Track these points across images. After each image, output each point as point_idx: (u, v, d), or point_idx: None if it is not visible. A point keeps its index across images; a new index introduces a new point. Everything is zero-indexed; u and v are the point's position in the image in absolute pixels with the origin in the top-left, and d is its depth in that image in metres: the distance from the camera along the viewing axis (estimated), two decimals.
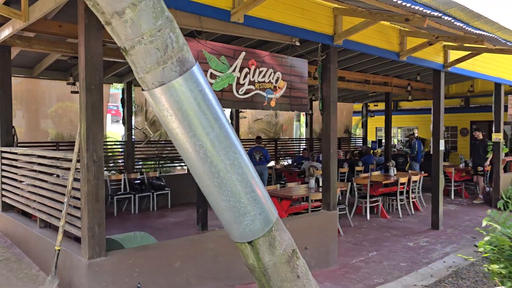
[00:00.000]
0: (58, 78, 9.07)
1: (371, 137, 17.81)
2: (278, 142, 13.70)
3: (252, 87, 4.74)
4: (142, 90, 2.32)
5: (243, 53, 4.64)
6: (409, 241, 7.35)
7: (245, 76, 4.67)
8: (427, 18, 4.55)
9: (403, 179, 9.26)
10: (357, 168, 11.95)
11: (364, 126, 16.88)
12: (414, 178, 9.66)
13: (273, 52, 5.43)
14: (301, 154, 13.27)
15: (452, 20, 5.07)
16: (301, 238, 5.45)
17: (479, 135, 11.32)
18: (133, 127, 10.49)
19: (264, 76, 4.88)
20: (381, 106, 16.37)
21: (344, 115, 16.39)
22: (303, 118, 18.11)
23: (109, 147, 11.30)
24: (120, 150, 11.02)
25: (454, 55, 7.97)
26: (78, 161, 3.77)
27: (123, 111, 10.10)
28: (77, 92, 8.61)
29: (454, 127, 16.27)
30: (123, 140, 10.73)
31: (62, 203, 4.04)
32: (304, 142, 14.74)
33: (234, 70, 4.55)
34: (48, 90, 9.50)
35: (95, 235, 3.65)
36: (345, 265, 6.09)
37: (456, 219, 9.02)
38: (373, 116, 15.39)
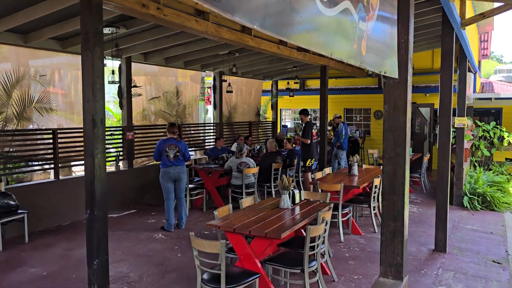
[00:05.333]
0: None
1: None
2: (182, 128, 10.29)
3: None
4: None
5: None
6: (436, 283, 4.93)
7: None
8: None
9: (377, 180, 6.88)
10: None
11: (274, 108, 14.38)
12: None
13: None
14: (214, 145, 10.11)
15: None
16: None
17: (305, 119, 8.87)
18: None
19: None
20: (292, 85, 14.07)
21: (254, 95, 13.61)
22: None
23: None
24: None
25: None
26: None
27: None
28: None
29: (368, 109, 14.82)
30: None
31: None
32: (212, 128, 11.55)
33: None
34: None
35: None
36: None
37: None
38: (293, 96, 12.93)
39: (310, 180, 8.57)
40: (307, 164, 8.78)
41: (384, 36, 2.26)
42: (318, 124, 12.95)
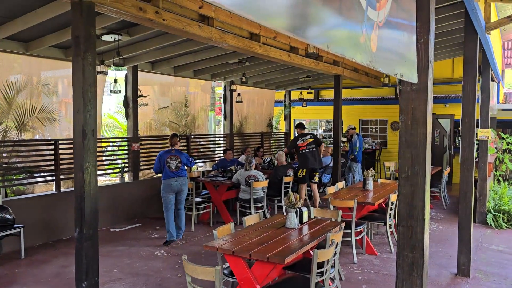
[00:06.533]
0: None
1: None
2: (191, 140, 9.99)
3: None
4: None
5: None
6: None
7: None
8: None
9: (394, 196, 6.42)
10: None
11: (287, 118, 14.01)
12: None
13: None
14: (222, 157, 9.77)
15: None
16: None
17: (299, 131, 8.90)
18: None
19: None
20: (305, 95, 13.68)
21: (266, 105, 13.28)
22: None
23: None
24: None
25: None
26: None
27: None
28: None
29: (384, 120, 14.32)
30: None
31: None
32: (223, 139, 11.23)
33: None
34: None
35: None
36: None
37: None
38: (306, 106, 12.55)
39: (304, 192, 8.63)
40: (298, 175, 8.52)
41: (400, 34, 1.87)
42: (331, 135, 12.50)
